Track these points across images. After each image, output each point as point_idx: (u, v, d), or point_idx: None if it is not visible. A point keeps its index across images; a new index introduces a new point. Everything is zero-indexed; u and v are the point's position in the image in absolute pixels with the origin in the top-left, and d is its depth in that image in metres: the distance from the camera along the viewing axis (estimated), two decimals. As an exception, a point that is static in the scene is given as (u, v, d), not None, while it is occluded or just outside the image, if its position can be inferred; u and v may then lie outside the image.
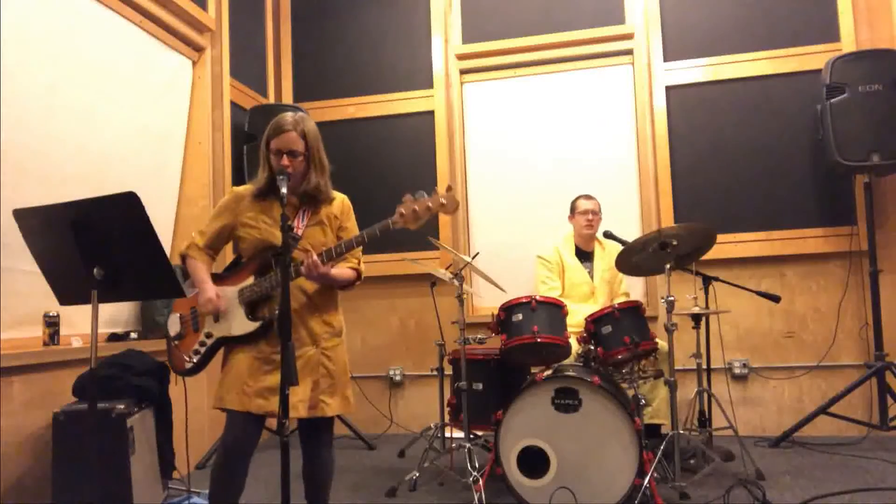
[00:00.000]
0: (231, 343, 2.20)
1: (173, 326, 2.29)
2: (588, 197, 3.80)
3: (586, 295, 3.68)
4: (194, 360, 2.22)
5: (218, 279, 2.25)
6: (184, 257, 2.29)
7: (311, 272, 2.09)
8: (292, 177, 2.13)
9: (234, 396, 2.11)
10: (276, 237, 2.13)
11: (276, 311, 2.07)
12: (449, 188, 2.13)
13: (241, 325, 2.17)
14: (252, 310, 2.18)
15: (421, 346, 4.52)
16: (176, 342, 2.27)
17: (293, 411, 2.04)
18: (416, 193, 2.11)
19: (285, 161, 2.13)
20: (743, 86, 4.22)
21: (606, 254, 3.75)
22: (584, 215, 3.73)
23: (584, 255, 3.80)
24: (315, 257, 2.07)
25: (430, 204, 2.10)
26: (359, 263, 2.30)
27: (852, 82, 3.74)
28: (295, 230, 2.19)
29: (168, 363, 2.32)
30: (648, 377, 3.05)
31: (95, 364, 1.92)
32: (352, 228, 2.32)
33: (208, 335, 2.21)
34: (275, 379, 2.09)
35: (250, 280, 2.18)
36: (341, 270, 2.23)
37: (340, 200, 2.33)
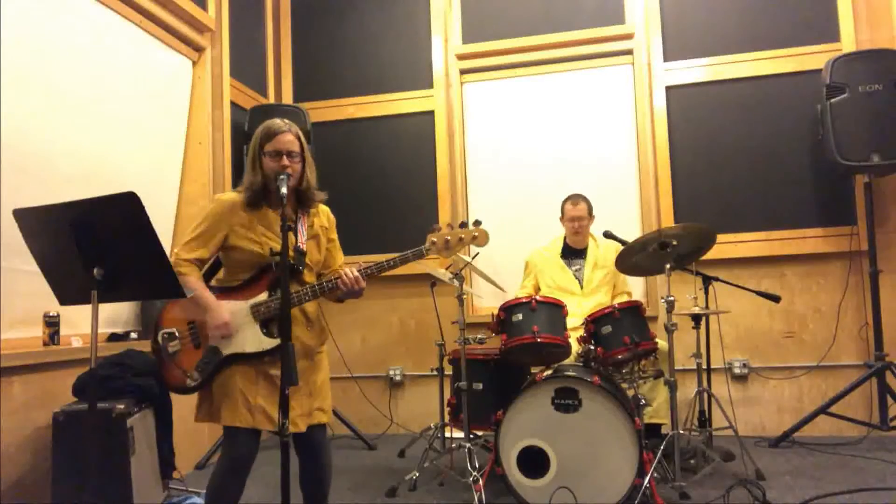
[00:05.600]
0: (238, 360, 2.12)
1: (165, 341, 2.13)
2: (575, 202, 3.77)
3: (572, 294, 3.67)
4: (197, 380, 2.10)
5: (225, 292, 2.16)
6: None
7: (352, 286, 2.10)
8: (293, 177, 2.13)
9: (238, 413, 2.07)
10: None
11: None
12: (478, 222, 2.24)
13: (256, 342, 2.10)
14: (266, 327, 2.12)
15: (421, 346, 4.52)
16: (171, 360, 2.13)
17: (293, 427, 2.05)
18: (446, 225, 2.21)
19: (285, 161, 2.12)
20: (743, 86, 4.22)
21: (601, 251, 3.75)
22: (571, 223, 3.75)
23: (577, 253, 3.80)
24: (356, 272, 2.10)
25: (462, 235, 2.18)
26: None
27: (852, 82, 3.74)
28: (300, 245, 2.17)
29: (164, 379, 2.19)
30: (648, 377, 3.05)
31: (95, 364, 1.92)
32: (336, 240, 2.37)
33: (215, 351, 2.10)
34: (273, 398, 2.08)
35: (264, 296, 2.12)
36: None
37: (327, 212, 2.35)
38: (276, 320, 2.11)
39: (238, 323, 2.11)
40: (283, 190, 2.00)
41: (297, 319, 2.14)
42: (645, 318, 3.04)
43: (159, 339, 2.14)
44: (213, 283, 2.27)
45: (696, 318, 3.27)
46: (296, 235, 2.16)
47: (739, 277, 3.81)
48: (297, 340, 2.09)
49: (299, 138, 2.18)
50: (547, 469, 2.69)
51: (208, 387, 2.14)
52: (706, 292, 3.47)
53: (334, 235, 2.36)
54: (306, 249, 2.19)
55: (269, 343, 2.10)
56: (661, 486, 2.79)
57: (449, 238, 2.16)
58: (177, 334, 2.15)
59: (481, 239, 2.20)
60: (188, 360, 2.12)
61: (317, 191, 2.26)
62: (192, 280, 2.13)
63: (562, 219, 3.84)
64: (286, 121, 2.20)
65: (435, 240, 2.16)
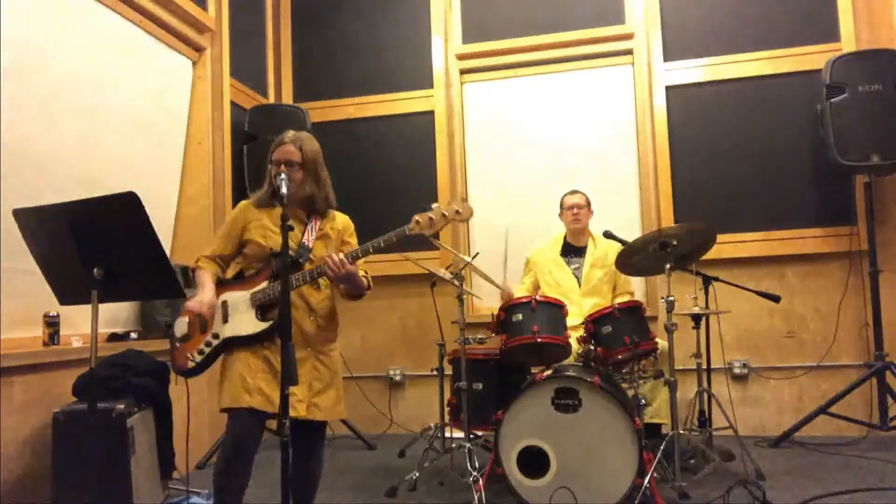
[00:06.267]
0: (233, 345, 2.24)
1: (180, 328, 2.31)
2: (573, 192, 3.82)
3: (572, 293, 3.67)
4: (197, 360, 2.25)
5: (231, 284, 2.32)
6: (193, 270, 2.37)
7: (337, 270, 2.15)
8: (291, 183, 2.22)
9: (236, 394, 2.16)
10: (279, 244, 2.17)
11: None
12: (464, 198, 2.26)
13: (250, 325, 2.22)
14: (262, 313, 2.24)
15: (421, 346, 4.52)
16: (180, 343, 2.30)
17: (292, 411, 2.08)
18: (432, 204, 2.22)
19: (282, 169, 2.23)
20: (743, 86, 4.22)
21: (600, 250, 3.75)
22: (570, 210, 3.76)
23: (576, 251, 3.80)
24: (341, 255, 2.16)
25: (444, 212, 2.20)
26: (366, 274, 2.38)
27: (852, 82, 3.74)
28: (306, 242, 2.30)
29: (170, 364, 2.35)
30: (648, 377, 3.05)
31: (95, 364, 1.92)
32: (353, 244, 2.43)
33: (215, 335, 2.25)
34: (273, 383, 2.17)
35: (264, 285, 2.25)
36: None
37: (344, 219, 2.46)
38: (272, 305, 2.22)
39: (237, 310, 2.24)
40: (283, 189, 2.04)
41: (296, 305, 2.23)
42: (645, 318, 3.04)
43: (174, 324, 2.32)
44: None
45: (696, 318, 3.27)
46: (302, 234, 2.31)
47: (739, 277, 3.80)
48: (296, 325, 2.20)
49: (301, 150, 2.30)
50: (547, 469, 2.69)
51: (220, 377, 2.26)
52: (706, 292, 3.47)
53: (350, 240, 2.44)
54: (312, 247, 2.31)
55: (261, 325, 2.22)
56: (661, 486, 2.79)
57: (433, 216, 2.20)
58: (187, 320, 2.29)
59: (464, 213, 2.22)
60: (193, 344, 2.27)
61: (325, 201, 2.38)
62: (204, 273, 2.32)
63: (561, 214, 3.85)
64: (299, 134, 2.35)
65: (419, 219, 2.21)
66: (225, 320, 2.25)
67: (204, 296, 2.23)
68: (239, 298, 2.25)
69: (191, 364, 2.26)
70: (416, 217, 2.21)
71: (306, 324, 2.27)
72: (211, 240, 2.42)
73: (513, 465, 2.73)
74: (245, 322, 2.23)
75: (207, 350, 2.24)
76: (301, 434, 2.28)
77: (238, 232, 2.35)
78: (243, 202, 2.42)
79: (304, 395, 2.21)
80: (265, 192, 2.36)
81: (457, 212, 2.19)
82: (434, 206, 2.21)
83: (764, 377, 4.12)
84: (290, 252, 2.16)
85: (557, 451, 2.69)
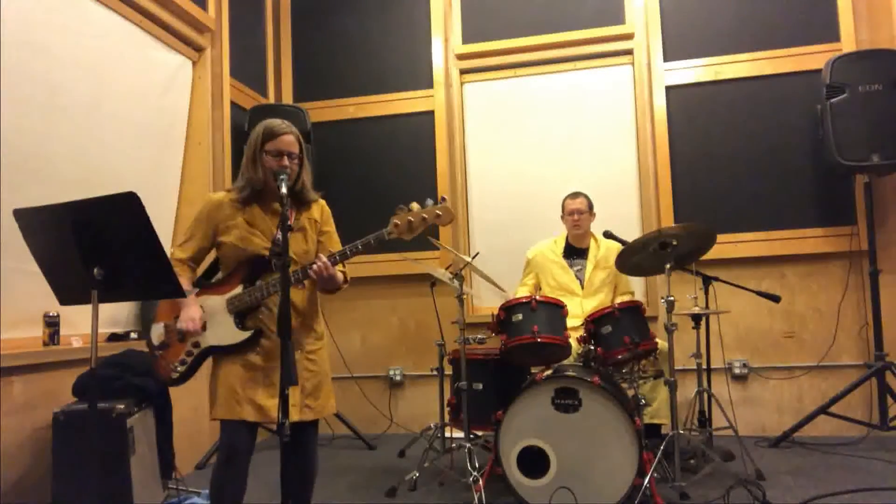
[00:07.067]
0: (219, 353, 2.20)
1: (156, 336, 2.25)
2: (574, 196, 3.80)
3: (573, 295, 3.67)
4: (180, 371, 2.21)
5: (205, 288, 2.25)
6: None
7: (322, 273, 2.10)
8: (290, 177, 2.16)
9: (227, 406, 2.14)
10: (258, 246, 2.19)
11: (263, 322, 2.17)
12: (443, 199, 2.14)
13: (230, 334, 2.17)
14: (240, 319, 2.19)
15: (421, 346, 4.52)
16: (160, 352, 2.24)
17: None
18: (411, 204, 2.12)
19: (285, 162, 2.17)
20: (743, 86, 4.22)
21: (602, 251, 3.75)
22: (571, 216, 3.76)
23: (578, 253, 3.80)
24: (326, 259, 2.11)
25: (424, 215, 2.10)
26: (343, 266, 2.31)
27: (852, 82, 3.74)
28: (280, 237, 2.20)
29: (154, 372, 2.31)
30: (648, 377, 3.05)
31: (95, 364, 1.92)
32: (332, 232, 2.37)
33: (195, 345, 2.20)
34: (263, 391, 2.15)
35: (238, 289, 2.19)
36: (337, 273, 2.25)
37: (321, 205, 2.37)
38: (249, 310, 2.18)
39: (214, 317, 2.19)
40: (283, 189, 2.01)
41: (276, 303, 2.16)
42: (645, 318, 3.04)
43: (151, 333, 2.26)
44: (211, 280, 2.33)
45: (696, 318, 3.28)
46: (277, 229, 2.21)
47: (739, 277, 3.81)
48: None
49: (299, 140, 2.24)
50: (547, 469, 2.69)
51: (211, 384, 2.21)
52: (706, 292, 3.47)
53: (328, 228, 2.36)
54: (290, 242, 2.22)
55: (241, 335, 2.17)
56: (661, 486, 2.79)
57: (412, 219, 2.09)
58: (163, 329, 2.25)
59: (445, 217, 2.10)
60: (174, 353, 2.22)
61: (312, 191, 2.31)
62: (181, 280, 2.20)
63: (562, 216, 3.85)
64: (286, 122, 2.25)
65: (398, 222, 2.11)
66: (203, 328, 2.19)
67: (191, 312, 2.16)
68: (215, 304, 2.19)
69: (174, 375, 2.21)
70: (395, 220, 2.10)
71: (292, 324, 2.23)
72: (184, 242, 2.28)
73: (513, 465, 2.73)
74: (224, 330, 2.17)
75: (189, 360, 2.20)
76: (295, 435, 2.27)
77: (210, 232, 2.25)
78: (213, 198, 2.28)
79: (296, 400, 2.17)
80: (250, 186, 2.22)
81: (437, 215, 2.08)
82: (413, 206, 2.10)
83: (764, 377, 4.12)
84: (267, 252, 2.15)
85: (557, 451, 2.69)
